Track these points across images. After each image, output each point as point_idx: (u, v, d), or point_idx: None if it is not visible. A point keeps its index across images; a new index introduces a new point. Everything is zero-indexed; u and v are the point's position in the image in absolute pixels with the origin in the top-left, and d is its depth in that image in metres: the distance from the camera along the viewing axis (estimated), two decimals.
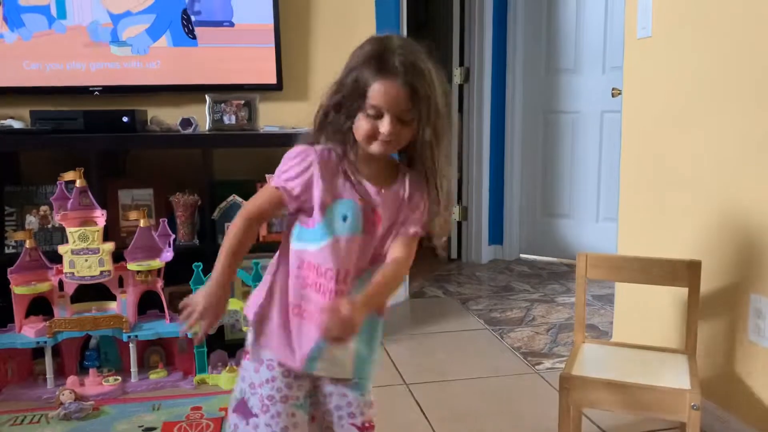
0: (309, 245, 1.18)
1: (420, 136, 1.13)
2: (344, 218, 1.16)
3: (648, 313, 2.18)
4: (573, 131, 3.96)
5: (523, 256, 4.23)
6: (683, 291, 1.70)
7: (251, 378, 1.24)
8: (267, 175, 2.08)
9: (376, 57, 1.10)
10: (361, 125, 1.13)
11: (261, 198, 1.21)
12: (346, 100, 1.13)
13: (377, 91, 1.10)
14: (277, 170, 1.19)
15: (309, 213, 1.17)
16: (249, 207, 1.22)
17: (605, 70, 3.75)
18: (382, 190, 1.17)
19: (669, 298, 2.05)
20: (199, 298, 1.18)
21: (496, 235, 4.22)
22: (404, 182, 1.19)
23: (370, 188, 1.17)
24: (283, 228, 1.27)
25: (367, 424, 1.25)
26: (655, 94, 2.14)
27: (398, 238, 1.20)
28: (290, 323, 1.20)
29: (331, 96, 1.15)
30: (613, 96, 3.05)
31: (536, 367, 2.43)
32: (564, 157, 4.01)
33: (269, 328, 1.21)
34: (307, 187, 1.15)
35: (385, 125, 1.11)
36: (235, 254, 1.20)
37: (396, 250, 1.19)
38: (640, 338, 1.98)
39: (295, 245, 1.20)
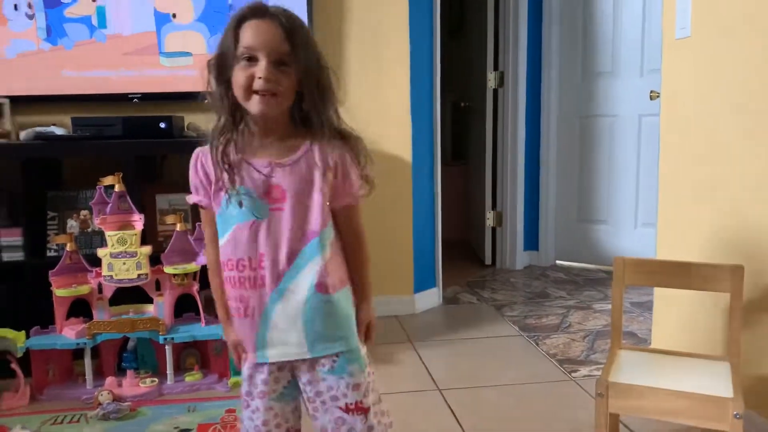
0: (221, 241, 1.18)
1: (305, 84, 1.07)
2: (239, 204, 1.12)
3: (688, 319, 2.13)
4: (610, 135, 3.89)
5: (558, 262, 4.17)
6: (724, 296, 1.65)
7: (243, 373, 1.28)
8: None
9: (250, 6, 1.07)
10: (237, 78, 1.07)
11: (203, 222, 1.24)
12: (222, 60, 1.08)
13: (249, 31, 1.05)
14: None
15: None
16: (206, 234, 1.25)
17: (643, 72, 3.68)
18: (274, 164, 1.11)
19: (710, 304, 1.99)
20: (226, 338, 1.27)
21: (532, 241, 4.17)
22: (312, 148, 1.12)
23: (259, 163, 1.12)
24: None
25: (352, 405, 1.20)
26: (694, 96, 2.09)
27: (339, 215, 1.17)
28: (240, 322, 1.21)
29: (211, 60, 1.11)
30: (651, 99, 2.99)
31: (572, 374, 2.39)
32: (601, 161, 3.95)
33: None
34: (210, 189, 1.16)
35: (260, 67, 1.04)
36: (217, 289, 1.26)
37: (344, 232, 1.19)
38: (679, 345, 1.93)
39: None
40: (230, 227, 1.15)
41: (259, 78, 1.05)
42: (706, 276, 1.66)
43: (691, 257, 2.06)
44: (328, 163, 1.13)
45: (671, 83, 2.22)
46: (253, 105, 1.07)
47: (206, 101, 1.14)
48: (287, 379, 1.23)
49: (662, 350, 1.79)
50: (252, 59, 1.06)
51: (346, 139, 1.14)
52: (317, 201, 1.13)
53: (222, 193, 1.14)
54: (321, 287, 1.15)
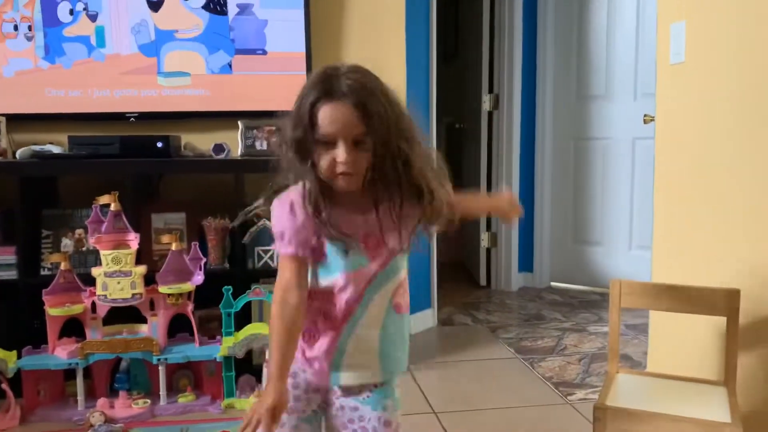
0: (323, 280, 1.17)
1: (380, 155, 1.06)
2: (346, 253, 1.14)
3: (684, 343, 2.12)
4: (604, 158, 3.92)
5: (553, 284, 4.17)
6: (720, 320, 1.65)
7: None
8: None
9: (322, 83, 1.06)
10: (321, 162, 1.07)
11: (286, 274, 1.14)
12: (302, 142, 1.07)
13: (324, 116, 1.04)
14: (277, 237, 1.14)
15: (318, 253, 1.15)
16: (281, 286, 1.14)
17: (637, 96, 3.72)
18: (370, 216, 1.12)
19: (705, 328, 1.99)
20: (264, 400, 1.08)
21: (527, 263, 4.18)
22: (387, 207, 1.12)
23: (356, 215, 1.13)
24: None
25: None
26: (688, 120, 2.11)
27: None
28: (301, 350, 1.20)
29: (289, 132, 1.09)
30: (645, 122, 3.01)
31: (568, 397, 2.38)
32: (595, 184, 3.97)
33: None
34: (310, 235, 1.13)
35: (340, 152, 1.05)
36: (289, 331, 1.12)
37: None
38: (675, 368, 1.93)
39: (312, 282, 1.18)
40: (334, 275, 1.15)
41: (341, 162, 1.06)
42: (703, 299, 1.66)
43: (686, 280, 2.06)
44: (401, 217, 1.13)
45: (666, 107, 2.24)
46: (338, 184, 1.10)
47: (280, 165, 1.14)
48: (317, 402, 1.23)
49: (659, 374, 1.79)
50: (330, 143, 1.06)
51: (421, 198, 1.12)
52: (396, 236, 1.14)
53: (325, 241, 1.14)
54: (397, 308, 1.21)
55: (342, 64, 1.09)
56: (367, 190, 1.11)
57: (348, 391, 1.20)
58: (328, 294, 1.16)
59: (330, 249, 1.15)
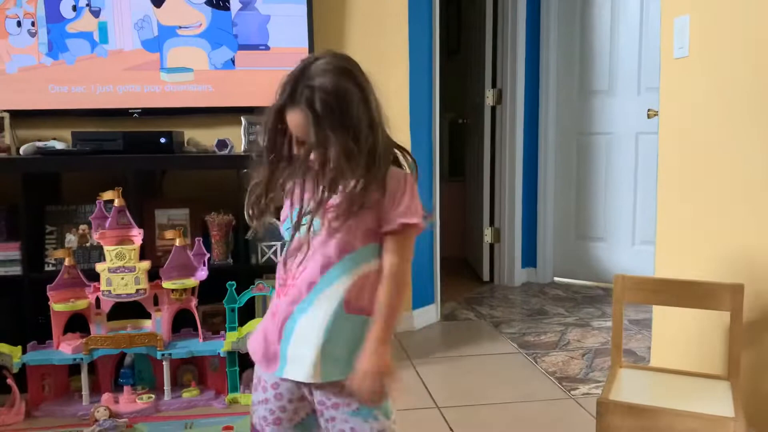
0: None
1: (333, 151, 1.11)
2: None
3: (687, 338, 2.12)
4: (607, 153, 3.91)
5: (557, 279, 4.17)
6: (724, 315, 1.65)
7: (253, 397, 1.25)
8: None
9: (286, 89, 1.14)
10: (297, 148, 1.16)
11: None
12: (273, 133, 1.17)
13: (288, 118, 1.14)
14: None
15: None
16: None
17: (640, 91, 3.71)
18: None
19: (709, 323, 1.99)
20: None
21: (530, 258, 4.17)
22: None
23: (310, 187, 1.17)
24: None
25: None
26: (692, 115, 2.11)
27: (388, 239, 1.17)
28: (266, 330, 1.21)
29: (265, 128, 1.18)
30: (648, 117, 3.00)
31: (571, 392, 2.38)
32: (598, 179, 3.96)
33: (252, 342, 1.24)
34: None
35: (307, 148, 1.12)
36: None
37: (386, 258, 1.16)
38: (678, 363, 1.93)
39: None
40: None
41: (312, 159, 1.13)
42: (706, 294, 1.66)
43: (690, 275, 2.06)
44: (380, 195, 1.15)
45: (669, 102, 2.23)
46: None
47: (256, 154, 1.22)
48: (306, 410, 1.22)
49: (662, 369, 1.79)
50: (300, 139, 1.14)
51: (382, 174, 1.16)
52: (361, 219, 1.15)
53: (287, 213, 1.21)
54: (348, 306, 1.15)
55: (315, 63, 1.14)
56: None
57: (335, 402, 1.17)
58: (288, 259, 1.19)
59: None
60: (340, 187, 1.14)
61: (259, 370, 1.23)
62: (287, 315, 1.17)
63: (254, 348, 1.23)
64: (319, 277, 1.15)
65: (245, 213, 1.24)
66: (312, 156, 1.13)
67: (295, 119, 1.12)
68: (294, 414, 1.22)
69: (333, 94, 1.11)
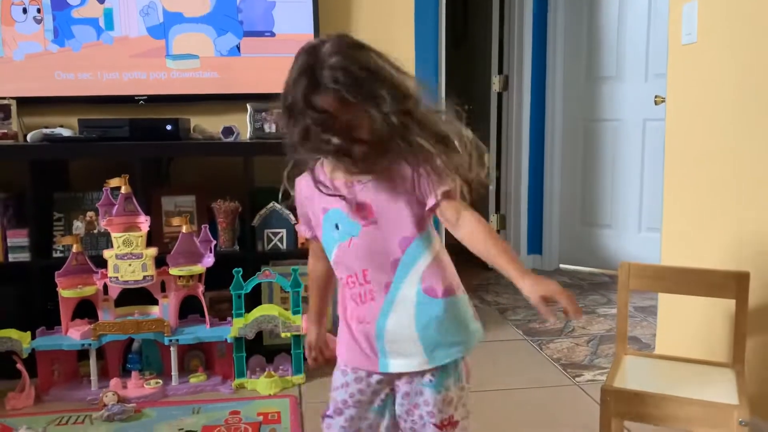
0: (330, 258, 1.22)
1: (368, 120, 1.07)
2: (336, 227, 1.17)
3: (692, 325, 2.12)
4: (614, 140, 3.89)
5: (562, 266, 4.17)
6: (729, 303, 1.65)
7: (333, 381, 1.28)
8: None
9: (307, 76, 1.08)
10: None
11: (310, 252, 1.33)
12: (300, 120, 1.10)
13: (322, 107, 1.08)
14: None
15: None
16: (310, 261, 1.34)
17: (648, 77, 3.69)
18: (355, 183, 1.15)
19: (714, 310, 1.99)
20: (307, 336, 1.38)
21: (535, 245, 4.17)
22: (392, 166, 1.14)
23: (339, 184, 1.15)
24: None
25: (446, 422, 1.22)
26: (700, 101, 2.10)
27: (440, 212, 1.15)
28: (352, 330, 1.22)
29: (282, 121, 1.14)
30: (656, 104, 2.99)
31: (576, 379, 2.39)
32: (605, 165, 3.95)
33: (340, 336, 1.25)
34: (308, 208, 1.22)
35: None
36: (317, 289, 1.35)
37: (456, 222, 1.14)
38: (683, 351, 1.93)
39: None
40: (334, 247, 1.19)
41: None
42: (712, 282, 1.66)
43: (696, 263, 2.06)
44: (407, 174, 1.14)
45: (677, 88, 2.22)
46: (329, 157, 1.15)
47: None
48: (385, 392, 1.24)
49: (667, 356, 1.79)
50: None
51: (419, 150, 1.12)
52: (405, 209, 1.15)
53: (322, 217, 1.19)
54: (430, 291, 1.17)
55: (322, 45, 1.11)
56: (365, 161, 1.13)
57: (412, 374, 1.20)
58: (341, 274, 1.21)
59: (325, 223, 1.18)
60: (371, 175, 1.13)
61: (341, 360, 1.26)
62: (374, 318, 1.18)
63: (342, 351, 1.25)
64: (393, 274, 1.16)
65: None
66: (353, 132, 1.08)
67: (327, 102, 1.08)
68: (372, 396, 1.24)
69: (355, 65, 1.09)
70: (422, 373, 1.20)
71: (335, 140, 1.07)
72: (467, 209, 1.15)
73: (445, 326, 1.19)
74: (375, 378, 1.22)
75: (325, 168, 1.19)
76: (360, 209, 1.15)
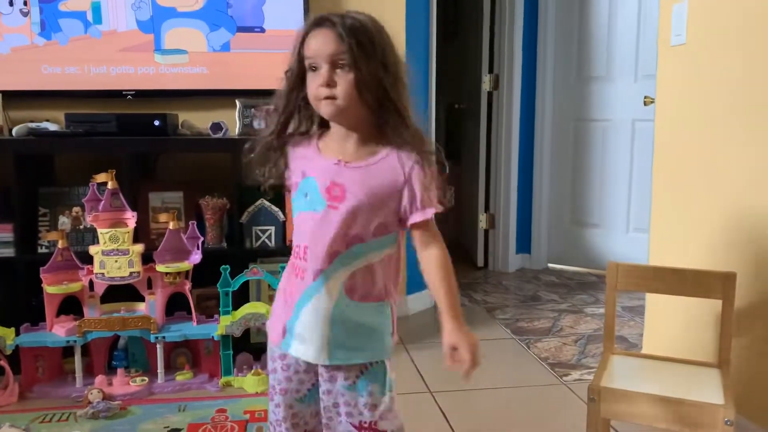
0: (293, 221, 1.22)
1: (368, 87, 1.07)
2: (305, 195, 1.16)
3: (679, 325, 2.14)
4: (603, 140, 3.91)
5: (551, 265, 4.18)
6: (716, 303, 1.66)
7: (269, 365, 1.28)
8: None
9: (314, 17, 1.11)
10: (308, 89, 1.12)
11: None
12: (292, 66, 1.13)
13: (309, 43, 1.10)
14: None
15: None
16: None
17: (637, 78, 3.70)
18: (343, 163, 1.13)
19: (701, 311, 2.00)
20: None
21: (524, 244, 4.18)
22: (390, 156, 1.13)
23: (327, 161, 1.14)
24: None
25: (365, 424, 1.19)
26: (689, 103, 2.10)
27: (418, 230, 1.15)
28: (280, 306, 1.23)
29: (287, 73, 1.16)
30: (645, 104, 3.00)
31: (564, 378, 2.40)
32: (594, 165, 3.96)
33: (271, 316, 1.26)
34: (290, 173, 1.21)
35: (321, 73, 1.08)
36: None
37: (426, 247, 1.16)
38: (671, 350, 1.94)
39: None
40: (295, 214, 1.19)
41: (320, 85, 1.09)
42: (699, 283, 1.67)
43: (683, 263, 2.07)
44: (405, 172, 1.12)
45: (666, 89, 2.23)
46: (323, 108, 1.12)
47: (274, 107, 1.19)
48: (311, 382, 1.23)
49: (654, 356, 1.80)
50: (316, 68, 1.10)
51: (413, 146, 1.12)
52: (376, 211, 1.13)
53: (299, 180, 1.18)
54: (352, 292, 1.15)
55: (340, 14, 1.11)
56: (366, 133, 1.14)
57: (332, 374, 1.19)
58: (295, 241, 1.19)
59: (300, 187, 1.18)
60: (363, 162, 1.12)
61: (270, 342, 1.25)
62: (297, 296, 1.17)
63: (271, 322, 1.25)
64: (327, 264, 1.13)
65: (253, 168, 1.22)
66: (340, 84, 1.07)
67: (322, 36, 1.07)
68: (298, 384, 1.23)
69: (368, 23, 1.10)
70: (342, 374, 1.18)
71: (328, 91, 1.08)
72: (439, 238, 1.18)
73: (354, 330, 1.17)
74: (301, 368, 1.21)
75: (318, 143, 1.18)
76: (332, 188, 1.13)
